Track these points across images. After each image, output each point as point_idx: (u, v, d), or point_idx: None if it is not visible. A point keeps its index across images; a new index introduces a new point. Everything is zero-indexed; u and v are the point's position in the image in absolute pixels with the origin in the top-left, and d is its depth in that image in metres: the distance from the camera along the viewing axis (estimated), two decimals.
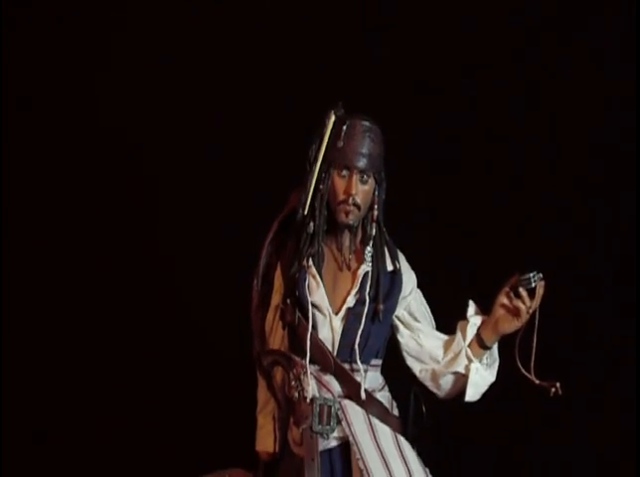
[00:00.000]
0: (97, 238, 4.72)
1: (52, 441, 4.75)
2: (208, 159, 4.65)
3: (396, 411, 3.36)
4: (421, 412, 3.40)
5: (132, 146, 4.72)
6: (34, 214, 4.76)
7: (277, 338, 3.41)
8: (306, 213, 3.27)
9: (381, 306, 3.26)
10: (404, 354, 3.38)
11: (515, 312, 3.21)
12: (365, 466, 3.17)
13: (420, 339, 3.35)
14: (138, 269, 4.70)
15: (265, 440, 3.52)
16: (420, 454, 3.34)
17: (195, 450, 4.48)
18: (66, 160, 4.75)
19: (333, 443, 3.25)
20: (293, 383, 3.30)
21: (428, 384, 3.37)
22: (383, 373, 3.40)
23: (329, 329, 3.25)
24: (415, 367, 3.37)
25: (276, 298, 3.40)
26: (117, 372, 4.73)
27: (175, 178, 4.68)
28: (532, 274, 3.19)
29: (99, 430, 4.72)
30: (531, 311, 3.20)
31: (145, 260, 4.69)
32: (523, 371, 3.24)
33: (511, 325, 3.23)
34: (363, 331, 3.23)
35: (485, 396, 3.36)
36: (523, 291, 3.19)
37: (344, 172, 3.23)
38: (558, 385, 3.20)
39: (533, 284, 3.19)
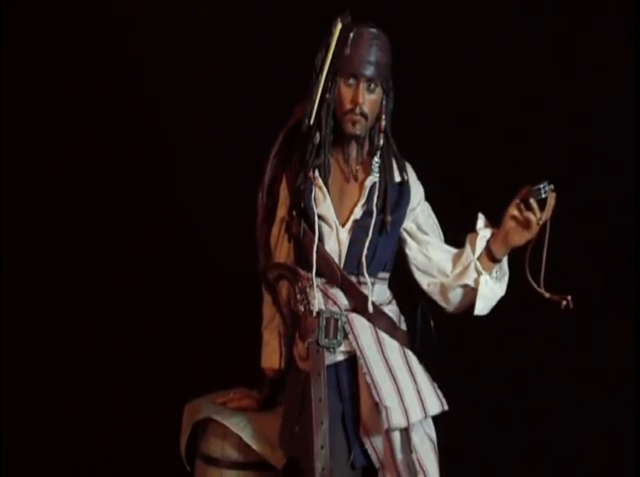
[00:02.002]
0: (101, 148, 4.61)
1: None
2: (211, 71, 4.53)
3: (403, 325, 3.31)
4: (429, 327, 3.34)
5: (133, 59, 4.60)
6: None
7: (283, 252, 3.35)
8: (312, 123, 3.20)
9: (388, 218, 3.19)
10: (412, 267, 3.32)
11: (525, 224, 3.15)
12: (372, 380, 3.13)
13: (429, 252, 3.29)
14: (141, 184, 4.60)
15: (271, 357, 3.48)
16: (428, 369, 3.26)
17: (197, 369, 4.44)
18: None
19: (339, 357, 3.20)
20: (299, 296, 3.24)
21: (437, 298, 3.31)
22: (390, 287, 3.32)
23: (335, 241, 3.19)
24: (423, 281, 3.31)
25: (282, 211, 3.34)
26: (118, 285, 4.65)
27: (178, 91, 4.56)
28: (542, 185, 3.12)
29: (101, 348, 4.66)
30: (541, 223, 3.14)
31: (148, 174, 4.60)
32: (533, 284, 3.19)
33: (521, 237, 3.17)
34: (370, 243, 3.17)
35: (494, 311, 3.27)
36: (533, 202, 3.13)
37: (351, 81, 3.15)
38: (569, 298, 3.14)
39: (543, 195, 3.12)
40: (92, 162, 4.64)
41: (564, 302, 3.14)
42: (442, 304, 3.31)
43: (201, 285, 4.55)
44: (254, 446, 3.38)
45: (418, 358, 3.29)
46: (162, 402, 4.22)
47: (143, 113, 4.62)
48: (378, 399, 3.10)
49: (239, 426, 3.42)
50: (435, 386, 3.24)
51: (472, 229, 3.29)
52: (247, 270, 3.59)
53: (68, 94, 4.62)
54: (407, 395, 3.14)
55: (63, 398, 4.68)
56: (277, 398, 3.56)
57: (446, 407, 3.22)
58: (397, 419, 3.10)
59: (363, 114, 3.15)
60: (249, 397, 3.58)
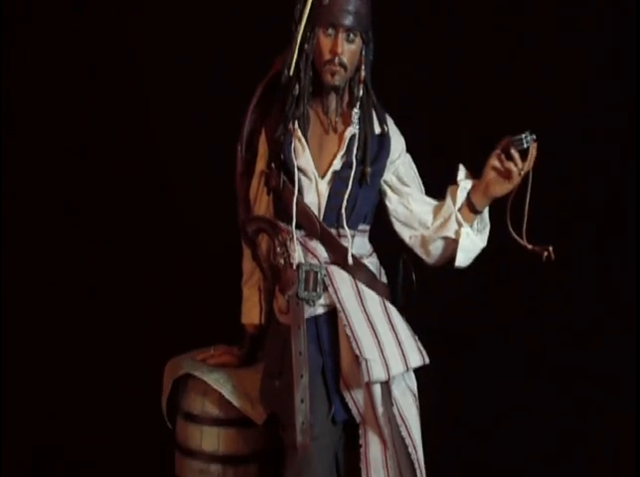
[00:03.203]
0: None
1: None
2: (192, 23, 4.47)
3: (384, 278, 3.28)
4: (410, 280, 3.31)
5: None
6: None
7: (262, 205, 3.32)
8: (291, 74, 3.15)
9: (368, 169, 3.15)
10: (393, 220, 3.29)
11: (506, 175, 3.12)
12: (352, 333, 3.10)
13: (409, 204, 3.26)
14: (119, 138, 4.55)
15: (251, 312, 3.45)
16: (409, 322, 3.23)
17: (178, 327, 4.40)
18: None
19: (319, 310, 3.17)
20: (279, 249, 3.20)
21: (418, 250, 3.28)
22: (371, 240, 3.29)
23: (315, 193, 3.16)
24: (404, 233, 3.28)
25: (261, 164, 3.30)
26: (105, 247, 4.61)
27: (160, 43, 4.49)
28: (524, 135, 3.08)
29: (85, 304, 4.64)
30: (523, 173, 3.10)
31: (127, 131, 4.54)
32: (514, 236, 3.15)
33: (502, 188, 3.13)
34: (350, 195, 3.14)
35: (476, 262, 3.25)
36: (515, 153, 3.10)
37: (330, 31, 3.10)
38: (550, 249, 3.11)
39: (525, 145, 3.08)
40: (79, 142, 4.56)
41: (546, 253, 3.11)
42: (423, 256, 3.28)
43: (181, 243, 4.49)
44: (235, 402, 3.36)
45: (400, 311, 3.25)
46: (142, 361, 4.16)
47: (129, 92, 4.54)
48: (358, 352, 3.07)
49: (218, 383, 3.39)
50: (416, 338, 3.21)
51: (453, 180, 3.23)
52: (227, 228, 3.51)
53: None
54: (388, 347, 3.11)
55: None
56: (257, 355, 3.53)
57: (427, 360, 3.19)
58: (377, 372, 3.07)
59: (342, 65, 3.11)
60: (230, 354, 3.55)
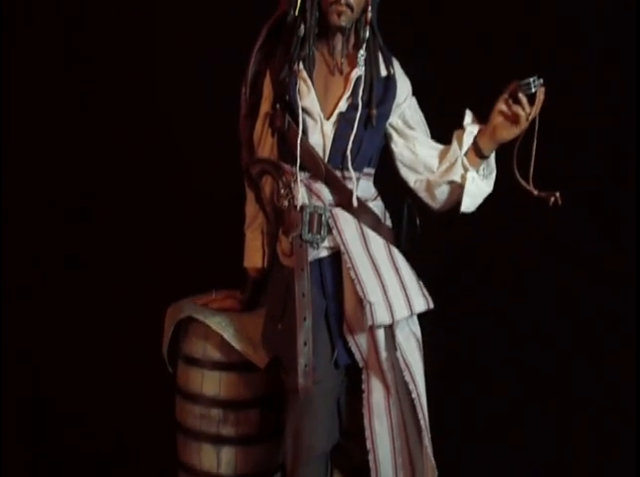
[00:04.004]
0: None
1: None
2: None
3: (389, 222, 3.25)
4: (415, 225, 3.27)
5: None
6: None
7: (266, 147, 3.29)
8: (297, 14, 3.10)
9: (374, 111, 3.12)
10: (398, 164, 3.26)
11: (514, 119, 3.08)
12: (356, 275, 3.07)
13: (415, 148, 3.22)
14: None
15: (254, 256, 3.43)
16: (414, 267, 3.21)
17: (179, 273, 4.37)
18: None
19: (323, 253, 3.14)
20: (283, 191, 3.18)
21: (423, 195, 3.25)
22: (375, 185, 3.26)
23: (320, 134, 3.12)
24: (410, 177, 3.25)
25: (265, 106, 3.26)
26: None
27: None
28: (532, 79, 3.05)
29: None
30: (530, 118, 3.06)
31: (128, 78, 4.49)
32: (521, 181, 3.12)
33: (509, 132, 3.10)
34: (355, 137, 3.10)
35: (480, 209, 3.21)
36: (522, 97, 3.06)
37: None
38: (557, 194, 3.08)
39: (533, 89, 3.05)
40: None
41: (553, 199, 3.08)
42: (428, 201, 3.25)
43: (182, 187, 4.45)
44: (236, 345, 3.34)
45: (404, 256, 3.21)
46: (144, 306, 4.13)
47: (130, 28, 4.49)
48: (362, 295, 3.04)
49: (220, 326, 3.37)
50: (421, 283, 3.19)
51: (459, 125, 3.19)
52: (230, 171, 3.48)
53: None
54: (392, 291, 3.09)
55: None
56: (260, 300, 3.50)
57: (432, 305, 3.17)
58: (381, 316, 3.04)
59: (348, 5, 3.07)
60: (232, 298, 3.53)
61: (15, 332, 4.51)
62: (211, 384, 3.41)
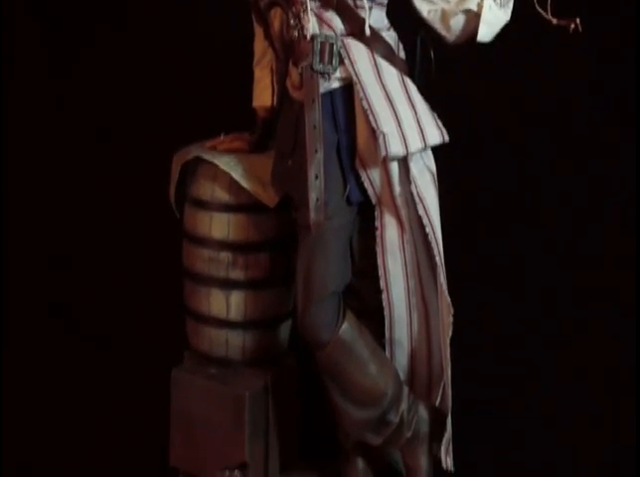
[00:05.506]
0: None
1: None
2: None
3: (402, 54, 3.14)
4: (429, 59, 3.16)
5: None
6: None
7: None
8: None
9: None
10: None
11: None
12: (369, 106, 2.98)
13: None
14: None
15: (263, 94, 3.35)
16: (427, 101, 3.10)
17: (186, 116, 4.26)
18: None
19: (335, 84, 3.04)
20: (292, 22, 3.08)
21: (437, 26, 3.13)
22: (389, 17, 3.13)
23: None
24: (423, 7, 3.12)
25: None
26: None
27: None
28: None
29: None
30: None
31: None
32: (540, 11, 2.99)
33: None
34: None
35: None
36: None
37: None
38: (577, 20, 2.95)
39: None
40: None
41: (573, 25, 2.96)
42: (443, 33, 3.13)
43: (188, 30, 4.32)
44: (245, 185, 3.25)
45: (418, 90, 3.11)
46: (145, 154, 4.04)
47: None
48: (375, 126, 2.95)
49: (229, 165, 3.29)
50: (435, 116, 3.08)
51: None
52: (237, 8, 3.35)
53: None
54: (406, 122, 2.99)
55: None
56: (269, 143, 3.39)
57: (447, 138, 3.07)
58: (395, 147, 2.95)
59: None
60: (240, 140, 3.45)
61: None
62: (219, 226, 3.33)
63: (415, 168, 3.04)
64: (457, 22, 3.08)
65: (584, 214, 4.14)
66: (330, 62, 3.01)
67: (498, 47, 3.16)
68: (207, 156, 3.32)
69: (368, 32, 3.01)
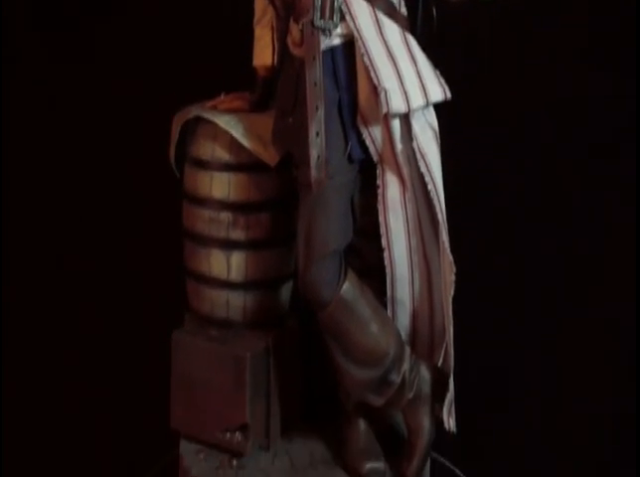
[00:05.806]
0: None
1: None
2: None
3: (404, 11, 3.10)
4: (431, 15, 3.13)
5: None
6: None
7: None
8: None
9: None
10: None
11: None
12: (370, 62, 2.95)
13: None
14: None
15: (263, 53, 3.32)
16: (430, 58, 3.07)
17: (185, 77, 4.23)
18: None
19: (336, 41, 3.01)
20: None
21: None
22: None
23: None
24: None
25: None
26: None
27: None
28: None
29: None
30: None
31: None
32: None
33: None
34: None
35: None
36: None
37: None
38: None
39: None
40: None
41: None
42: None
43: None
44: (246, 144, 3.23)
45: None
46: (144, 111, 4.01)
47: None
48: (376, 82, 2.92)
49: (229, 125, 3.26)
50: (437, 73, 3.05)
51: None
52: None
53: None
54: (408, 79, 2.96)
55: None
56: (269, 102, 3.36)
57: (449, 95, 3.04)
58: (396, 103, 2.92)
59: None
60: (241, 99, 3.43)
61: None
62: (220, 186, 3.31)
63: (417, 125, 3.02)
64: None
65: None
66: (331, 18, 2.97)
67: (500, 3, 3.10)
68: (207, 115, 3.29)
69: None
